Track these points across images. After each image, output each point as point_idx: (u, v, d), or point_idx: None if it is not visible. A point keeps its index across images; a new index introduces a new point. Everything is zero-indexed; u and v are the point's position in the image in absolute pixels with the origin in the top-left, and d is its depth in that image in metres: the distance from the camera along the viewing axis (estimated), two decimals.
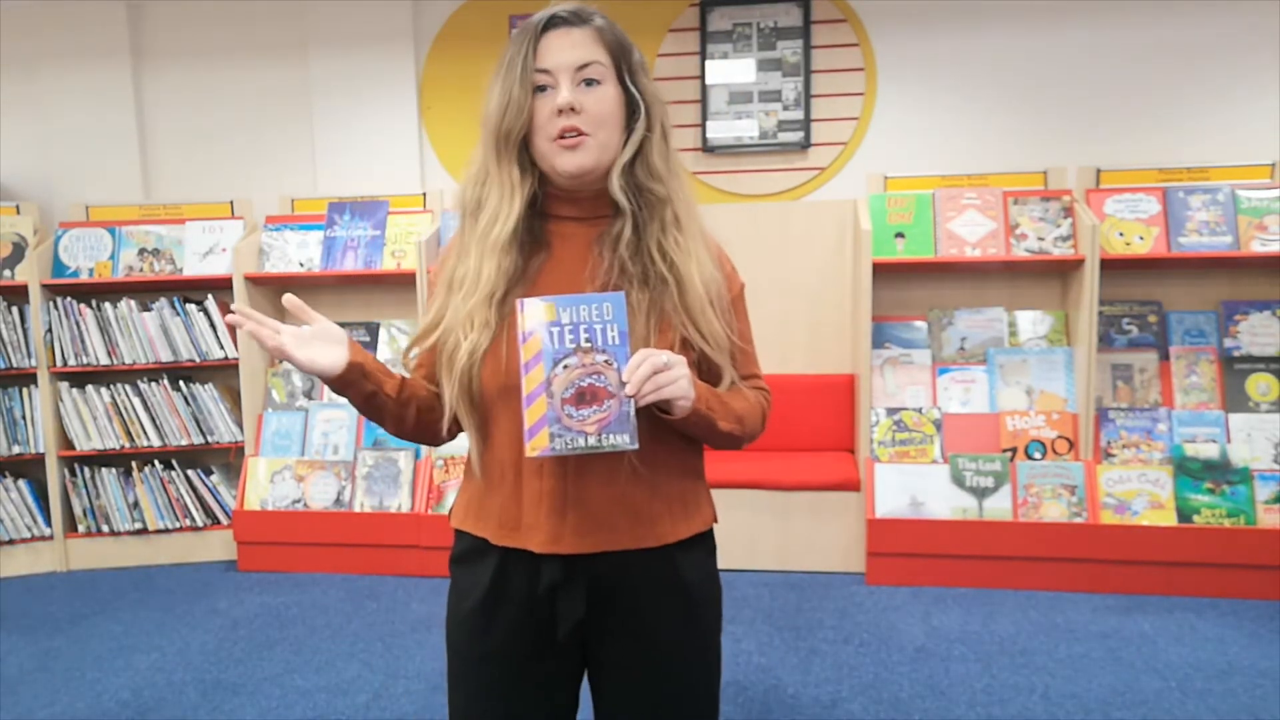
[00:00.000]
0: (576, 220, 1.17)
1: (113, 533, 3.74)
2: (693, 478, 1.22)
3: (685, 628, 1.18)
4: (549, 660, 1.17)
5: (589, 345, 1.03)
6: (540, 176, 1.15)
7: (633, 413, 1.02)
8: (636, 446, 1.03)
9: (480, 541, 1.17)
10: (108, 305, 3.72)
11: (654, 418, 1.10)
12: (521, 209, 1.12)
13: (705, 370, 1.16)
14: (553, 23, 1.11)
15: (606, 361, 1.03)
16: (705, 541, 1.22)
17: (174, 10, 4.10)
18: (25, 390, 3.74)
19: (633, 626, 1.16)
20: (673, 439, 1.15)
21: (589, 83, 1.10)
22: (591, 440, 1.02)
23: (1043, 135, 3.73)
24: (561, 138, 1.09)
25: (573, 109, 1.08)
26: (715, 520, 1.24)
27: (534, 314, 1.03)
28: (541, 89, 1.10)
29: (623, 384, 1.02)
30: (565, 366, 1.02)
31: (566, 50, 1.09)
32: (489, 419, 1.14)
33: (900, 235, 3.47)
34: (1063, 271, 3.52)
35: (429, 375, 1.21)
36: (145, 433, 3.74)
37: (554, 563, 1.12)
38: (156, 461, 3.77)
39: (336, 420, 3.70)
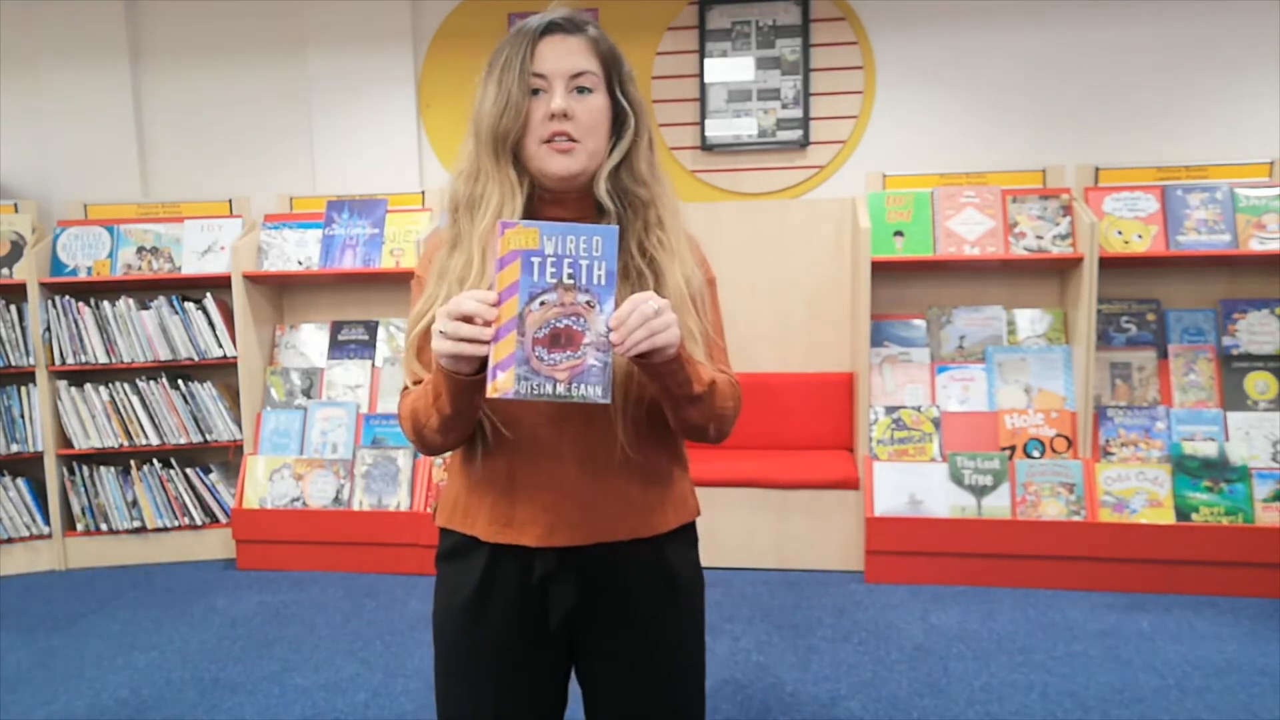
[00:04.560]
0: (561, 221, 1.17)
1: (111, 531, 3.74)
2: (680, 469, 1.24)
3: (675, 616, 1.21)
4: (541, 651, 1.18)
5: (571, 282, 0.94)
6: (527, 176, 1.16)
7: (609, 364, 0.96)
8: (608, 400, 0.96)
9: (469, 538, 1.18)
10: (106, 304, 3.72)
11: (644, 410, 1.11)
12: (523, 207, 1.13)
13: None
14: (550, 29, 1.13)
15: (588, 303, 0.95)
16: (690, 532, 1.25)
17: (172, 8, 4.09)
18: (23, 389, 3.74)
19: (624, 616, 1.18)
20: (663, 429, 1.17)
21: (581, 91, 1.12)
22: (560, 389, 0.94)
23: (1041, 134, 3.73)
24: (550, 141, 1.11)
25: (565, 115, 1.10)
26: (699, 512, 1.26)
27: (514, 239, 0.94)
28: (535, 92, 1.12)
29: (605, 331, 0.95)
30: (542, 303, 0.94)
31: (563, 57, 1.11)
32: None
33: (899, 233, 3.47)
34: (1061, 270, 3.52)
35: None
36: (144, 431, 3.74)
37: (547, 555, 1.14)
38: (155, 460, 3.77)
39: (335, 419, 3.70)
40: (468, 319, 0.96)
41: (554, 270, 0.94)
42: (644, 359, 1.01)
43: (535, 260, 0.94)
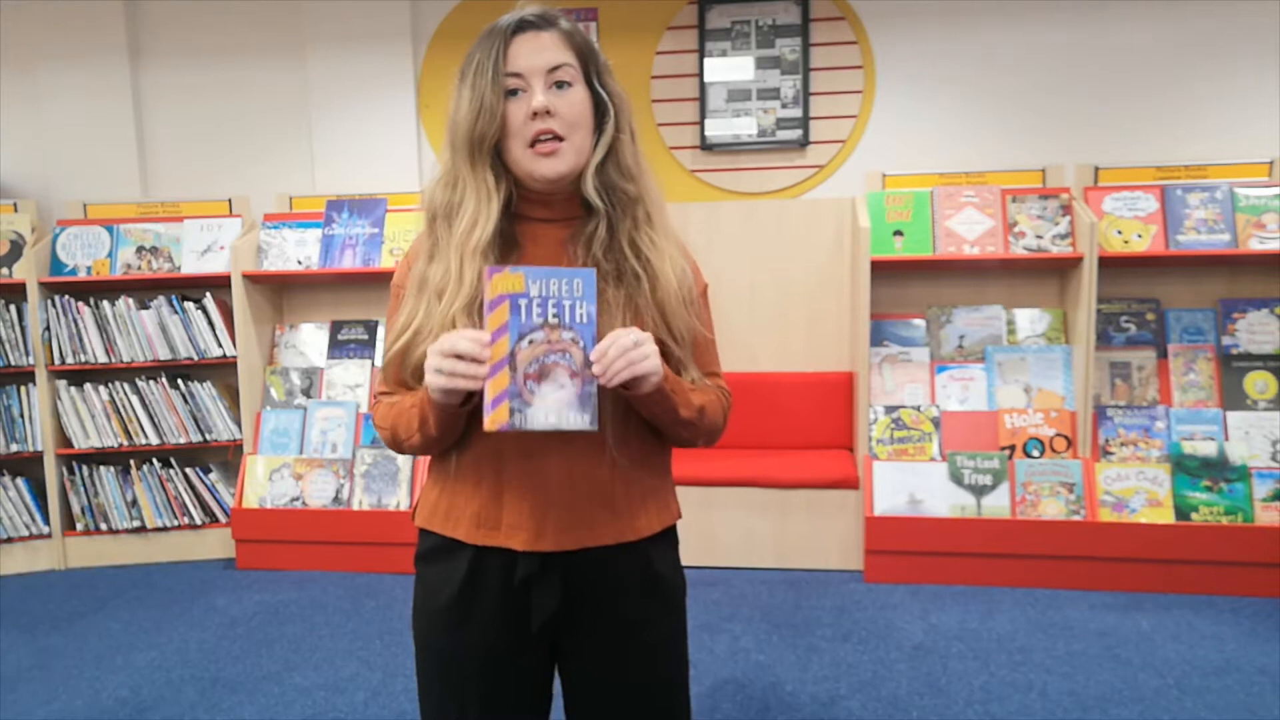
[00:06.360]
0: (548, 221, 1.17)
1: (111, 531, 3.74)
2: (664, 473, 1.25)
3: (660, 618, 1.21)
4: (524, 654, 1.18)
5: (556, 322, 1.02)
6: (511, 178, 1.15)
7: (595, 394, 1.03)
8: (596, 428, 1.03)
9: (450, 540, 1.18)
10: (105, 303, 3.72)
11: (629, 417, 1.12)
12: (499, 214, 1.12)
13: (670, 366, 1.17)
14: (520, 26, 1.11)
15: (573, 340, 1.03)
16: (672, 535, 1.25)
17: (172, 8, 4.09)
18: (23, 388, 3.74)
19: (610, 619, 1.17)
20: (647, 435, 1.17)
21: (560, 85, 1.11)
22: (551, 419, 1.02)
23: (1041, 133, 3.73)
24: (536, 143, 1.10)
25: (548, 112, 1.09)
26: (680, 515, 1.26)
27: (501, 284, 1.01)
28: (513, 93, 1.10)
29: (588, 364, 1.02)
30: (530, 341, 1.02)
31: (537, 53, 1.10)
32: (469, 421, 1.14)
33: (899, 233, 3.47)
34: (1061, 269, 3.52)
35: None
36: (143, 431, 3.74)
37: (531, 558, 1.13)
38: (155, 460, 3.77)
39: (335, 418, 3.70)
40: (461, 357, 1.01)
41: (539, 311, 1.02)
42: (628, 388, 1.06)
43: (522, 302, 1.02)
